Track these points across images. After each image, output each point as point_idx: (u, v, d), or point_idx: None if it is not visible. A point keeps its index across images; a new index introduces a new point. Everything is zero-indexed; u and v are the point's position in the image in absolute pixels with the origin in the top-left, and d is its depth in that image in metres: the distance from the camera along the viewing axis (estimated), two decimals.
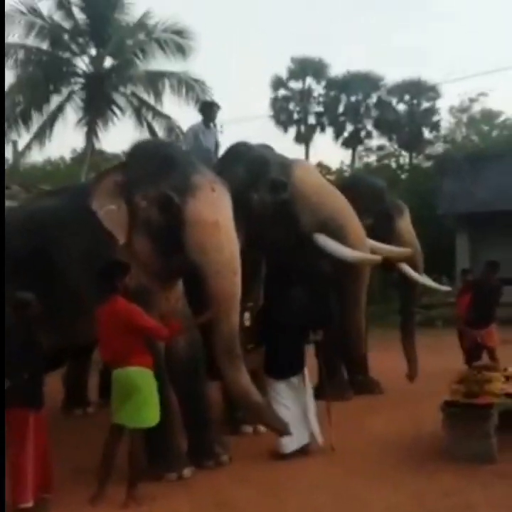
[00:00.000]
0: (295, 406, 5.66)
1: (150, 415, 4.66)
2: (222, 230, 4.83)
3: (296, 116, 25.01)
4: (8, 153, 17.97)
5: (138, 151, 5.32)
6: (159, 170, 4.93)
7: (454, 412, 5.40)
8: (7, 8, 16.21)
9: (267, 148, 6.57)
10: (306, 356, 5.89)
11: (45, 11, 17.01)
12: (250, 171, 6.03)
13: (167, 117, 18.10)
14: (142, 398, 4.62)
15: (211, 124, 7.51)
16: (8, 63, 16.56)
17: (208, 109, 7.57)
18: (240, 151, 6.24)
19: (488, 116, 25.87)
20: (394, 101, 25.32)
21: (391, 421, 6.63)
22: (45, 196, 7.03)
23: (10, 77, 16.87)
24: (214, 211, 4.82)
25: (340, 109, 24.95)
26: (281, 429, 5.20)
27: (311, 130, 24.95)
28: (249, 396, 4.96)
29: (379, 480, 4.94)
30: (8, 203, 11.35)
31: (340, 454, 5.59)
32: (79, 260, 5.41)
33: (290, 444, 5.53)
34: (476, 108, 26.06)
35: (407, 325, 8.23)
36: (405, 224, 7.95)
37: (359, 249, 6.12)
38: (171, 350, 5.26)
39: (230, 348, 4.87)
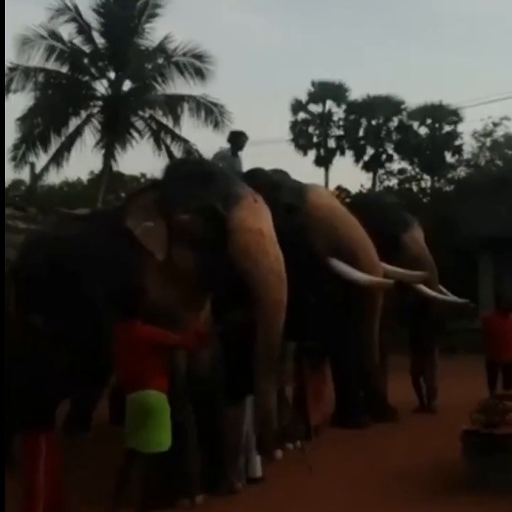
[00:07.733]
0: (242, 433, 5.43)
1: (163, 440, 4.58)
2: (267, 237, 4.92)
3: (315, 139, 24.91)
4: (26, 175, 18.03)
5: (174, 168, 5.54)
6: (200, 183, 4.97)
7: (474, 442, 5.20)
8: (28, 32, 16.46)
9: (282, 173, 6.70)
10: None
11: (65, 36, 17.25)
12: (263, 197, 6.12)
13: (185, 141, 18.08)
14: (156, 422, 4.54)
15: (238, 153, 7.62)
16: (28, 86, 16.74)
17: (237, 139, 7.67)
18: (253, 176, 6.32)
19: None
20: (415, 125, 25.11)
21: (407, 450, 6.42)
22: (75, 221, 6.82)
23: (29, 100, 17.05)
24: (258, 219, 4.94)
25: (361, 132, 24.81)
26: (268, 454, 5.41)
27: (330, 154, 24.83)
28: (268, 411, 4.96)
29: None
30: (25, 226, 11.32)
31: (353, 485, 5.43)
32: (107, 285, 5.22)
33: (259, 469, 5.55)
34: (500, 132, 25.76)
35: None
36: (412, 238, 7.77)
37: (372, 273, 6.12)
38: (191, 370, 5.12)
39: (270, 355, 4.84)
